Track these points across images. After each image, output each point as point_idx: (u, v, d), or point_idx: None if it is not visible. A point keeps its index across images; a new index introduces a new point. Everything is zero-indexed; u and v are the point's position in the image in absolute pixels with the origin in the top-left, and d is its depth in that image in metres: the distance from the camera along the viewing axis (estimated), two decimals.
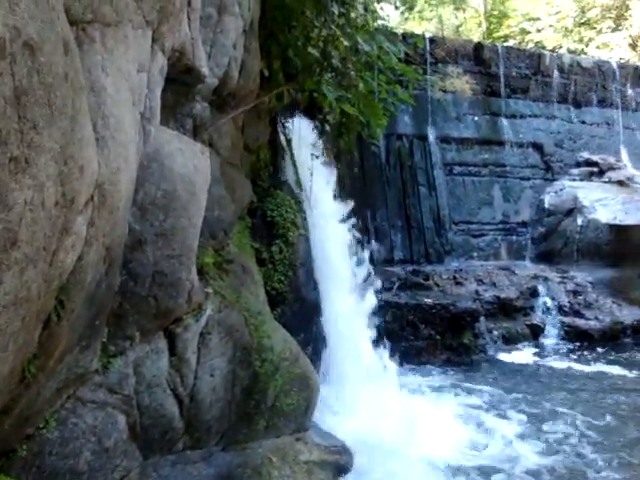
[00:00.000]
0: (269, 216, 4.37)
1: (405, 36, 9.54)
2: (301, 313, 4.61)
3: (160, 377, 2.79)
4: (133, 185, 2.34)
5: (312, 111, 4.97)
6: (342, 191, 6.71)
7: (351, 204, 5.42)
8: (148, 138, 2.57)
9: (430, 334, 6.39)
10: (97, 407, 2.46)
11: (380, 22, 12.53)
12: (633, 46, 16.86)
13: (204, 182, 3.00)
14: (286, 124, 5.01)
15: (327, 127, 5.47)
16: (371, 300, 5.17)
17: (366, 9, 4.17)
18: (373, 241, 8.25)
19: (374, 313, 5.28)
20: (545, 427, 4.77)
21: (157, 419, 2.74)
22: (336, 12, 3.70)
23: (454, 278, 7.68)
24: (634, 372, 6.48)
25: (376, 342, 5.22)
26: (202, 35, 3.24)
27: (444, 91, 9.48)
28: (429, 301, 6.43)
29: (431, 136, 9.35)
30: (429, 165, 9.16)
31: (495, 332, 7.13)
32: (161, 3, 2.42)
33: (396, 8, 20.49)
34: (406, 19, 21.05)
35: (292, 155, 4.88)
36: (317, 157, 4.52)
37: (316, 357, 4.73)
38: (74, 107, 1.51)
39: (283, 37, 4.13)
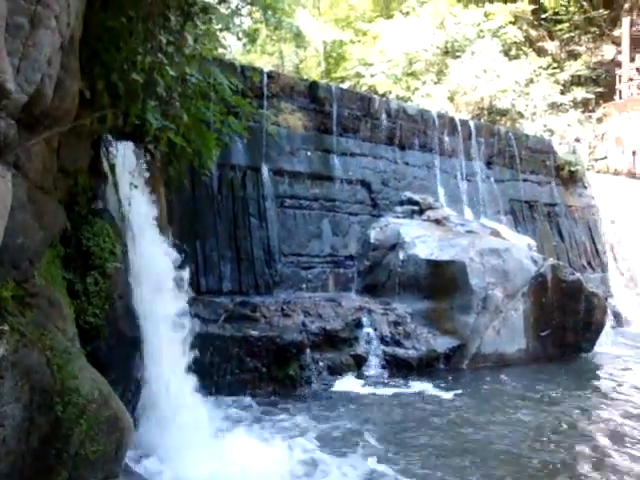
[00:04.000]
0: (85, 245, 4.08)
1: (244, 68, 9.65)
2: (118, 348, 4.34)
3: None
4: None
5: (139, 137, 4.78)
6: (171, 221, 6.53)
7: (177, 234, 5.27)
8: None
9: (256, 366, 6.37)
10: None
11: (221, 51, 12.56)
12: (451, 99, 18.75)
13: (2, 208, 2.71)
14: (110, 149, 4.76)
15: (157, 154, 5.30)
16: (193, 333, 5.02)
17: (196, 40, 4.13)
18: (201, 271, 8.13)
19: (197, 346, 5.13)
20: (357, 454, 4.93)
21: None
22: (164, 40, 3.61)
23: (282, 310, 7.76)
24: (447, 393, 7.06)
25: (198, 376, 5.07)
26: (9, 46, 2.96)
27: (278, 125, 9.72)
28: (255, 333, 6.43)
29: (264, 168, 9.48)
30: (261, 197, 9.26)
31: (321, 363, 7.28)
32: None
33: (238, 39, 20.74)
34: (248, 51, 21.39)
35: (115, 182, 4.64)
36: (136, 186, 4.34)
37: (133, 395, 4.48)
38: None
39: (108, 58, 3.93)
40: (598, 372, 8.83)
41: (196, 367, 5.09)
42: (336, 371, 7.45)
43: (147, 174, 4.85)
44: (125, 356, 4.42)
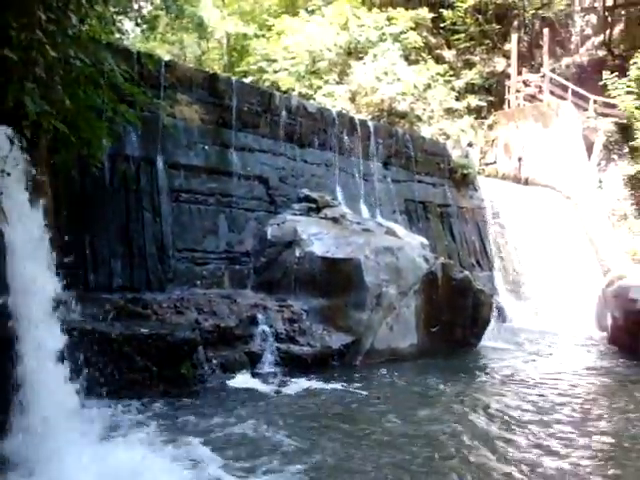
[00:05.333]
0: None
1: (140, 55, 9.27)
2: None
3: None
4: None
5: (17, 121, 4.43)
6: (57, 213, 6.16)
7: (64, 228, 4.96)
8: None
9: (146, 365, 6.10)
10: None
11: (119, 36, 11.96)
12: (352, 99, 19.08)
13: None
14: None
15: (41, 141, 4.95)
16: (77, 332, 4.75)
17: (82, 21, 3.88)
18: (90, 267, 7.73)
19: (83, 345, 4.86)
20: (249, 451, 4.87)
21: None
22: (43, 17, 3.35)
23: (175, 307, 7.54)
24: (339, 387, 7.24)
25: (83, 377, 4.80)
26: None
27: (174, 117, 9.44)
28: (145, 331, 6.17)
29: (159, 161, 9.16)
30: (155, 190, 8.96)
31: (214, 361, 7.13)
32: None
33: (137, 25, 19.94)
34: (147, 39, 20.63)
35: None
36: (9, 174, 4.01)
37: (4, 402, 4.16)
38: None
39: None
40: (486, 365, 9.31)
41: (81, 368, 4.83)
42: (230, 369, 7.33)
43: (26, 161, 4.49)
44: None
